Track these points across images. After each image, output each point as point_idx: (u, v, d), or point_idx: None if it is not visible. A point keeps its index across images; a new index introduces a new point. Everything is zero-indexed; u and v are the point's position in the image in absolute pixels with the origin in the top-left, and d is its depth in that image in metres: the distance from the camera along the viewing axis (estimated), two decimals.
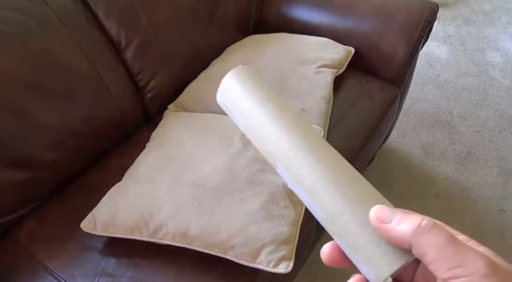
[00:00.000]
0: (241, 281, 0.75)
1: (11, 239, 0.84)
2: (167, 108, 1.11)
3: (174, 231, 0.74)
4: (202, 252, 0.74)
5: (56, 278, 0.76)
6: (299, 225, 0.79)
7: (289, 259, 0.73)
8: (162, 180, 0.81)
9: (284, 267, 0.71)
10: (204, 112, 1.04)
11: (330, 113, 1.05)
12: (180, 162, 0.85)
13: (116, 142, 1.04)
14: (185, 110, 1.08)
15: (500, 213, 1.42)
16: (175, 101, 1.11)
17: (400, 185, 1.51)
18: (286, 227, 0.75)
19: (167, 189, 0.79)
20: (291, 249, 0.74)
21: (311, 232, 0.96)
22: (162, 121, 1.04)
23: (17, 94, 0.80)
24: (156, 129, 1.01)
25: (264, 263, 0.72)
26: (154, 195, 0.79)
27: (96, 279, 0.75)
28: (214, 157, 0.85)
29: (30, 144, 0.84)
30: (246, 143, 0.88)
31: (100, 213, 0.78)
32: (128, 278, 0.75)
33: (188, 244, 0.74)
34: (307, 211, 0.85)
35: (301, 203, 0.82)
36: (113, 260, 0.77)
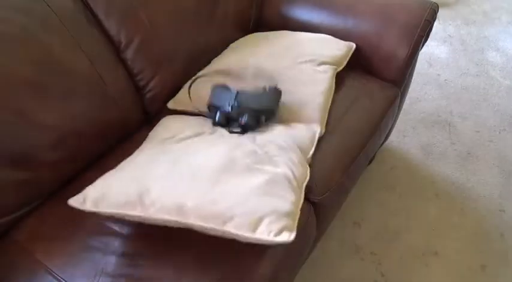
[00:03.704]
0: (241, 281, 0.75)
1: (11, 239, 0.84)
2: (167, 105, 1.11)
3: (170, 205, 0.71)
4: (203, 254, 0.74)
5: (55, 277, 0.76)
6: (299, 206, 0.78)
7: (291, 230, 0.70)
8: (161, 161, 0.80)
9: (286, 237, 0.68)
10: (202, 108, 1.04)
11: (328, 107, 1.06)
12: (180, 151, 0.85)
13: (116, 142, 1.04)
14: (185, 106, 1.08)
15: (500, 213, 1.42)
16: (175, 97, 1.11)
17: (400, 185, 1.51)
18: (287, 203, 0.74)
19: (166, 168, 0.77)
20: (292, 222, 0.72)
21: (311, 232, 0.96)
22: (159, 123, 1.03)
23: (17, 94, 0.80)
24: (152, 130, 1.01)
25: (264, 233, 0.68)
26: (152, 173, 0.77)
27: (96, 279, 0.75)
28: (214, 148, 0.85)
29: (31, 144, 0.84)
30: (244, 139, 0.89)
31: (92, 190, 0.77)
32: (128, 278, 0.75)
33: (184, 218, 0.70)
34: (304, 208, 0.85)
35: (300, 192, 0.82)
36: (113, 260, 0.77)
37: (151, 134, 0.99)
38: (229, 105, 0.94)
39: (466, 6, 2.56)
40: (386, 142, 1.60)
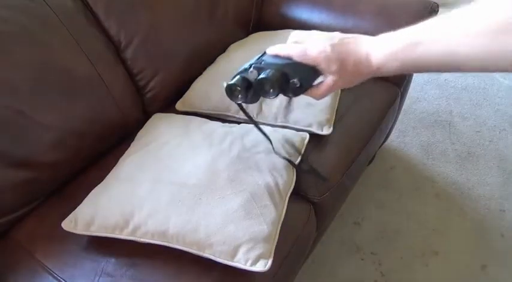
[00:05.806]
0: (239, 281, 0.75)
1: (11, 239, 0.84)
2: (175, 106, 1.10)
3: (154, 230, 0.75)
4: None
5: (55, 277, 0.76)
6: (279, 224, 0.79)
7: (267, 257, 0.73)
8: (143, 180, 0.82)
9: (262, 266, 0.71)
10: (211, 109, 1.05)
11: (336, 106, 1.06)
12: (162, 161, 0.86)
13: (116, 142, 1.04)
14: (193, 107, 1.07)
15: (500, 213, 1.42)
16: (182, 97, 1.10)
17: (400, 185, 1.51)
18: (265, 225, 0.75)
19: (148, 188, 0.80)
20: (269, 247, 0.74)
21: (311, 232, 0.96)
22: (148, 121, 1.04)
23: (17, 94, 0.80)
24: (142, 128, 1.01)
25: (241, 261, 0.72)
26: (135, 194, 0.79)
27: (96, 279, 0.75)
28: (196, 156, 0.86)
29: (31, 144, 0.84)
30: (230, 143, 0.89)
31: (81, 212, 0.79)
32: (127, 277, 0.75)
33: (167, 242, 0.75)
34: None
35: (283, 203, 0.82)
36: (112, 260, 0.77)
37: (139, 134, 0.99)
38: (250, 66, 0.65)
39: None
40: (386, 142, 1.60)
